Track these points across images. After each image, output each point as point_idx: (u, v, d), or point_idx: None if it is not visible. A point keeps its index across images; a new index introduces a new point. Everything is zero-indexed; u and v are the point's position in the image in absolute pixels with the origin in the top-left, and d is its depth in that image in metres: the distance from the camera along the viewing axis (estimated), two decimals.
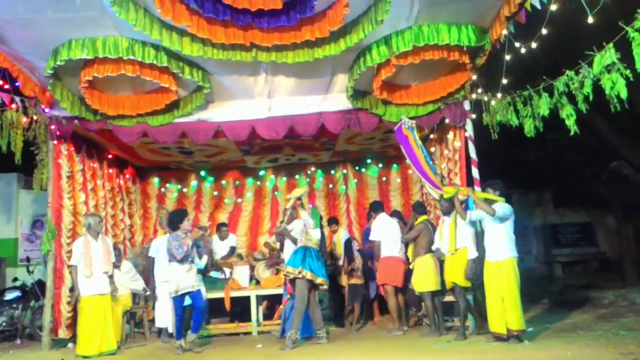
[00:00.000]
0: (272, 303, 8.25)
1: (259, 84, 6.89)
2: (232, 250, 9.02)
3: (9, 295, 7.95)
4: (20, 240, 9.92)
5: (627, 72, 4.10)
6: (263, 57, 5.97)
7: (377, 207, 7.57)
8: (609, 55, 4.17)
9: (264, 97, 7.16)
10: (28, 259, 8.29)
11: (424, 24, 5.80)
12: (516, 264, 5.69)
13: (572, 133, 4.99)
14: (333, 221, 8.61)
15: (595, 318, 7.11)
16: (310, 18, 5.49)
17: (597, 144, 10.05)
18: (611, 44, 4.14)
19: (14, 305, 7.87)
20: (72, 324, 6.87)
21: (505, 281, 5.60)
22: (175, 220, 6.38)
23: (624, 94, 4.14)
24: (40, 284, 7.73)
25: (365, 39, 5.85)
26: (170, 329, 7.07)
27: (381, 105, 7.16)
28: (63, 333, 6.87)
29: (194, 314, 6.32)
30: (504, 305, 5.58)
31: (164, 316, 7.10)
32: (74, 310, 6.87)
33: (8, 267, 9.75)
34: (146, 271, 7.54)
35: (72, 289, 6.75)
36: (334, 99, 7.25)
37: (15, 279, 8.43)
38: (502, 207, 5.74)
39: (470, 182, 6.87)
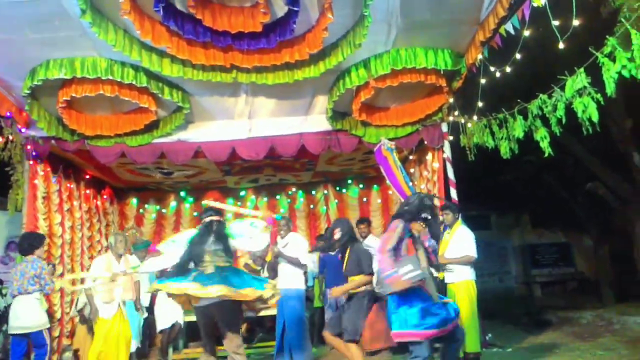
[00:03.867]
0: (252, 326, 8.14)
1: (239, 104, 6.90)
2: None
3: None
4: None
5: (598, 95, 4.21)
6: (243, 79, 6.01)
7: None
8: (580, 79, 4.28)
9: (244, 117, 7.16)
10: (1, 282, 8.08)
11: (401, 48, 5.90)
12: (472, 286, 5.64)
13: (546, 155, 5.09)
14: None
15: (574, 338, 7.16)
16: (290, 41, 5.54)
17: (572, 166, 10.23)
18: (582, 69, 4.26)
19: None
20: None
21: (460, 304, 5.49)
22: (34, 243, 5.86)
23: (595, 117, 4.25)
24: None
25: (345, 62, 5.91)
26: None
27: (361, 126, 7.23)
28: None
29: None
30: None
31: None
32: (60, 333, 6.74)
33: None
34: None
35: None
36: (314, 120, 7.28)
37: None
38: (472, 245, 5.69)
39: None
